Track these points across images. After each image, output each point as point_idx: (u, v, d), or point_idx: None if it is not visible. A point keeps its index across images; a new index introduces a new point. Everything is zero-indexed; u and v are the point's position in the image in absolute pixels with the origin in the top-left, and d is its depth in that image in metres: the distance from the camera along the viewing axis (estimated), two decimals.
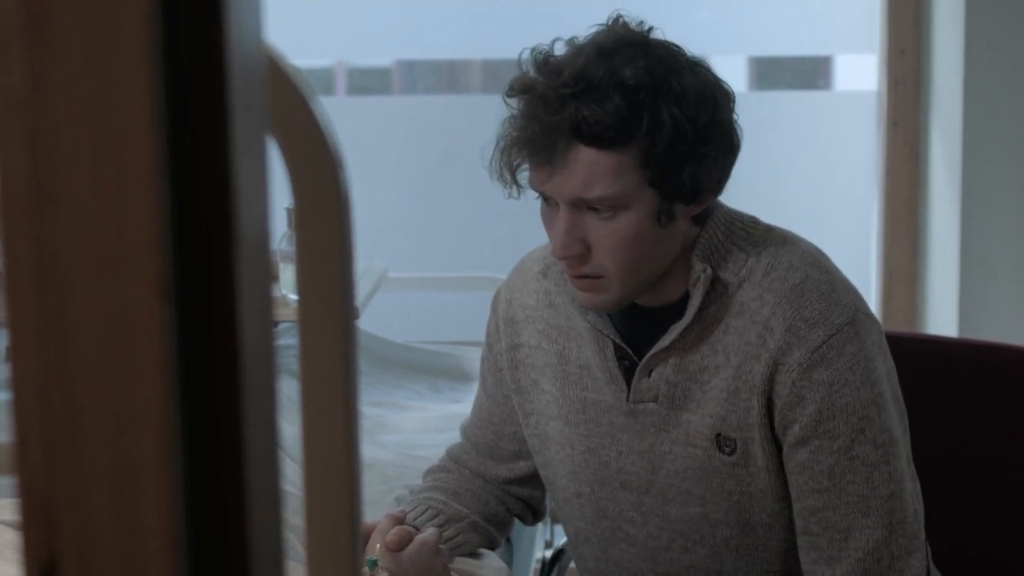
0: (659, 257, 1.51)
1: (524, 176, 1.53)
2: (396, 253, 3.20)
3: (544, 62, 1.48)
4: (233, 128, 0.48)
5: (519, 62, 1.51)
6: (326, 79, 3.48)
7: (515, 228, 3.31)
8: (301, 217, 0.63)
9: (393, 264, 2.95)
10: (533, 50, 1.50)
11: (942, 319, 3.08)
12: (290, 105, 0.61)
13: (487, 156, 1.54)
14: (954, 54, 2.96)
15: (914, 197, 3.18)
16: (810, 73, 3.54)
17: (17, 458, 0.47)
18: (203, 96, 0.47)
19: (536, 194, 1.55)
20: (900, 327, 3.12)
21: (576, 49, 1.48)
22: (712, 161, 1.48)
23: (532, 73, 1.49)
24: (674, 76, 1.45)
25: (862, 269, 3.21)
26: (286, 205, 2.37)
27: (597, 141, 1.44)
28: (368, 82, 3.60)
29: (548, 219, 1.52)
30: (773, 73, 3.41)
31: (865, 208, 3.28)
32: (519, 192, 1.54)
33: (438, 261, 3.30)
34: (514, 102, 1.51)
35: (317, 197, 0.62)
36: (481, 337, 2.93)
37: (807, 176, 3.25)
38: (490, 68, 3.46)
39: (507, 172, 1.52)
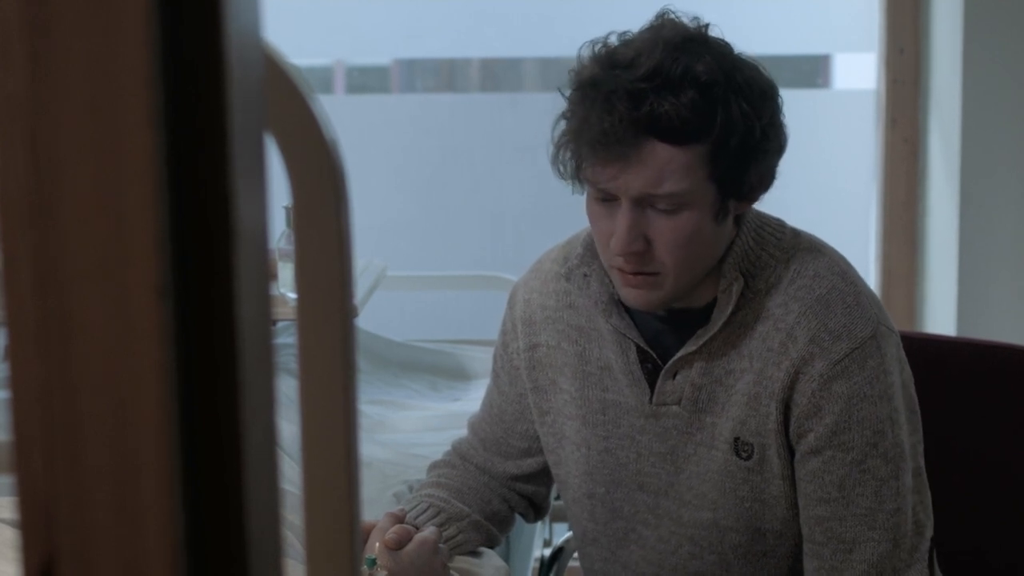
0: (711, 255, 1.51)
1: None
2: (395, 252, 3.20)
3: (610, 56, 1.46)
4: (232, 127, 0.48)
5: (577, 56, 1.49)
6: (325, 78, 3.48)
7: (514, 227, 3.31)
8: (300, 216, 0.63)
9: (392, 263, 2.95)
10: (593, 43, 1.49)
11: (940, 318, 3.08)
12: (289, 104, 0.61)
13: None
14: (953, 53, 2.96)
15: (913, 196, 3.18)
16: (809, 72, 3.54)
17: (16, 457, 0.47)
18: (202, 95, 0.47)
19: (576, 194, 1.53)
20: (899, 326, 3.11)
21: (644, 44, 1.45)
22: (770, 159, 1.49)
23: (598, 67, 1.46)
24: (738, 72, 1.46)
25: (861, 268, 3.20)
26: (285, 204, 2.37)
27: (673, 136, 1.42)
28: (367, 81, 3.60)
29: (601, 217, 1.49)
30: (772, 71, 3.41)
31: (864, 206, 3.28)
32: (583, 188, 1.51)
33: (437, 260, 3.31)
34: (573, 96, 1.48)
35: (316, 196, 0.62)
36: (481, 336, 2.95)
37: (806, 174, 3.25)
38: (489, 67, 3.45)
39: (571, 167, 1.49)
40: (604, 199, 1.48)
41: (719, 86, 1.43)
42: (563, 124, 1.50)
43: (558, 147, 1.50)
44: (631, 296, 1.51)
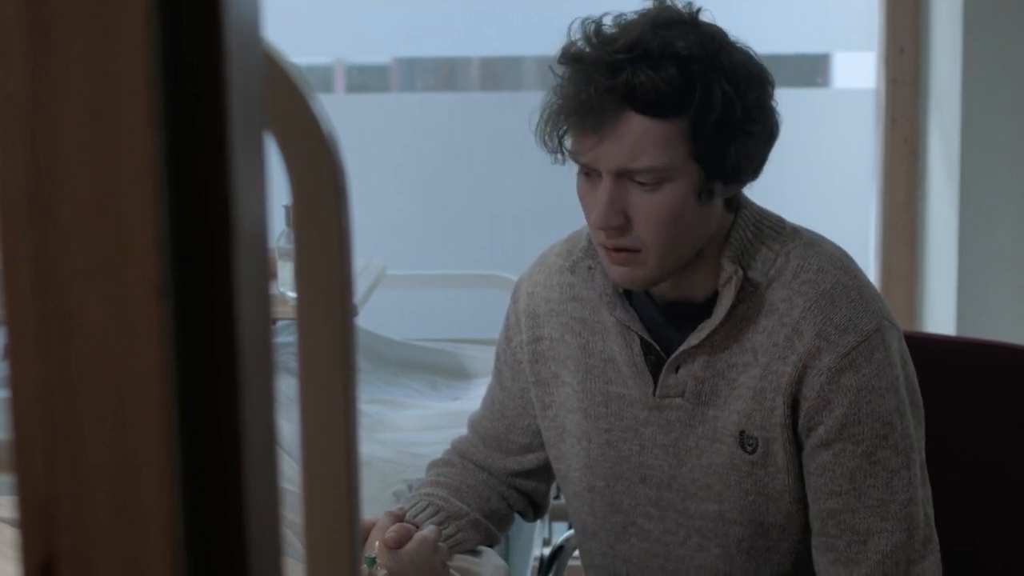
0: (695, 236, 1.51)
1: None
2: (395, 251, 3.20)
3: (596, 32, 1.48)
4: (232, 126, 0.48)
5: (568, 32, 1.51)
6: (325, 77, 3.48)
7: (514, 226, 3.31)
8: (299, 215, 0.63)
9: (392, 262, 2.95)
10: (584, 20, 1.50)
11: (940, 317, 3.09)
12: (289, 103, 0.61)
13: (533, 123, 1.53)
14: (952, 52, 2.96)
15: (912, 195, 3.18)
16: (809, 71, 3.54)
17: (16, 456, 0.47)
18: (202, 94, 0.47)
19: (556, 164, 1.54)
20: (899, 325, 3.11)
21: (629, 21, 1.48)
22: (755, 141, 1.49)
23: (583, 42, 1.48)
24: (724, 53, 1.47)
25: (861, 267, 3.21)
26: (284, 203, 2.37)
27: (649, 109, 1.44)
28: (367, 80, 3.60)
29: (586, 192, 1.51)
30: (772, 70, 3.41)
31: (863, 206, 3.28)
32: (564, 159, 1.53)
33: (437, 259, 3.31)
34: (561, 70, 1.50)
35: (316, 195, 0.62)
36: (480, 335, 2.95)
37: (806, 174, 3.25)
38: (488, 66, 3.46)
39: (554, 138, 1.51)
40: (588, 173, 1.50)
41: (699, 62, 1.44)
42: (552, 96, 1.51)
43: (544, 119, 1.51)
44: (616, 274, 1.52)
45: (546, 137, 1.52)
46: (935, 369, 1.88)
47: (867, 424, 1.49)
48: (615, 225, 1.48)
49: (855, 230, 3.27)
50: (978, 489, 1.88)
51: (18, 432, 0.47)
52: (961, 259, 2.98)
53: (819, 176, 3.28)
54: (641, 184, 1.47)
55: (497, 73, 3.47)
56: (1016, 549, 1.87)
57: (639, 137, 1.44)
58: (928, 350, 1.89)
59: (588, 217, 1.52)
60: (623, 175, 1.47)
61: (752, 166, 1.51)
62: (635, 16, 1.50)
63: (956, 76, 2.94)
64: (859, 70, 3.29)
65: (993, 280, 2.99)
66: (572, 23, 1.51)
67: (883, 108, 3.16)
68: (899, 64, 3.13)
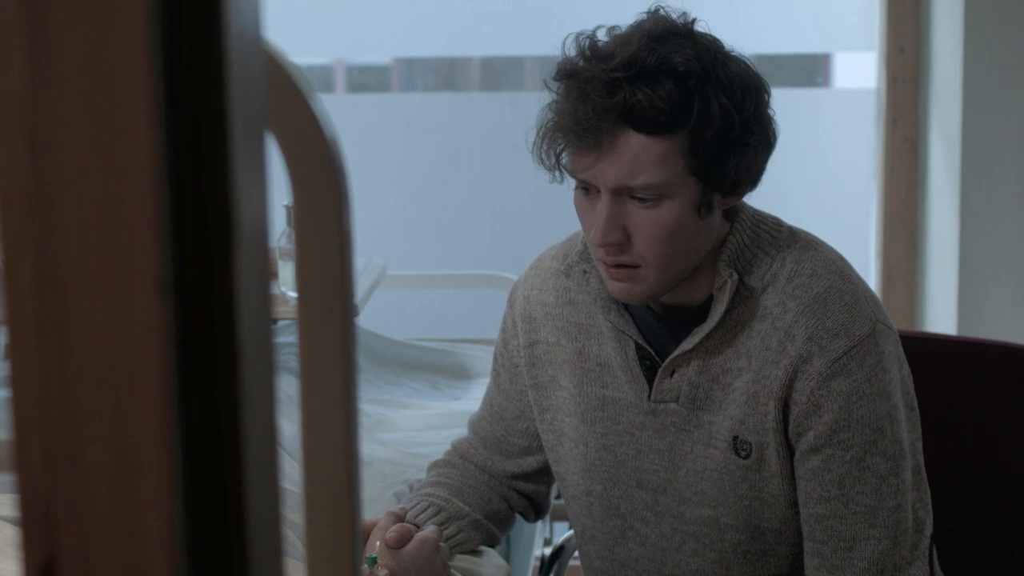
0: (695, 249, 1.51)
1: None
2: (395, 250, 3.20)
3: (592, 47, 1.47)
4: (232, 126, 0.48)
5: (562, 48, 1.50)
6: (325, 77, 3.48)
7: (514, 226, 3.31)
8: (300, 214, 0.63)
9: (392, 261, 2.95)
10: (578, 35, 1.50)
11: (941, 317, 3.09)
12: (289, 103, 0.61)
13: (529, 141, 1.52)
14: (953, 52, 2.96)
15: (913, 194, 3.18)
16: (809, 70, 3.54)
17: (17, 456, 0.47)
18: (202, 94, 0.47)
19: (555, 183, 1.54)
20: (899, 325, 3.11)
21: (624, 36, 1.47)
22: (754, 153, 1.49)
23: (579, 58, 1.48)
24: (721, 65, 1.46)
25: (861, 267, 3.20)
26: (285, 203, 2.37)
27: (648, 126, 1.43)
28: (367, 80, 3.60)
29: (585, 208, 1.50)
30: (772, 70, 3.41)
31: (864, 206, 3.28)
32: (562, 177, 1.52)
33: (437, 258, 3.31)
34: (556, 87, 1.50)
35: (316, 195, 0.62)
36: (481, 334, 2.96)
37: (806, 174, 3.25)
38: (489, 66, 3.45)
39: (551, 156, 1.51)
40: (586, 189, 1.50)
41: (696, 77, 1.43)
42: (548, 113, 1.51)
43: (541, 137, 1.51)
44: (616, 289, 1.52)
45: (543, 154, 1.52)
46: (935, 369, 1.88)
47: (857, 430, 1.49)
48: (614, 242, 1.47)
49: (855, 230, 3.27)
50: (979, 488, 1.88)
51: (18, 430, 0.47)
52: (961, 259, 2.98)
53: (819, 176, 3.28)
54: (640, 200, 1.46)
55: (497, 73, 3.47)
56: (1016, 548, 1.87)
57: (637, 154, 1.44)
58: (928, 350, 1.89)
59: (587, 234, 1.52)
60: (622, 191, 1.46)
61: (751, 177, 1.51)
62: (629, 29, 1.49)
63: (956, 76, 2.94)
64: (859, 70, 3.29)
65: (993, 280, 2.99)
66: (566, 38, 1.50)
67: (883, 108, 3.16)
68: (899, 64, 3.13)
